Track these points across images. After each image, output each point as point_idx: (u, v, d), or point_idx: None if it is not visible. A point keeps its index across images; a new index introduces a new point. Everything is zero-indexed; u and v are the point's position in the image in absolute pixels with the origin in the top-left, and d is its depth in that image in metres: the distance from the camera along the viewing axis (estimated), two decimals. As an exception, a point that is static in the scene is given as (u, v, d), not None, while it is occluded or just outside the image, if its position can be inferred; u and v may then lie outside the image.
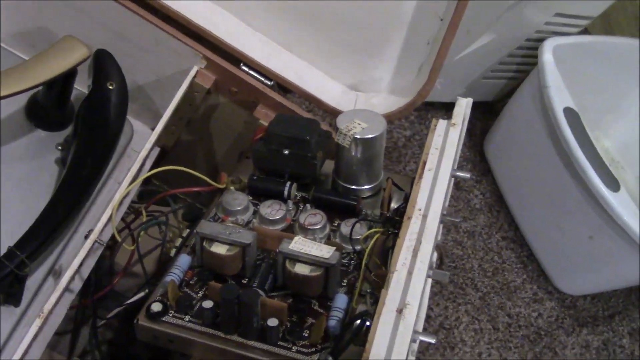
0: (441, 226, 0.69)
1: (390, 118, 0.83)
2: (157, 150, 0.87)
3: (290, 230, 0.75)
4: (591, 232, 1.20)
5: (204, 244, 0.68)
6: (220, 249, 0.67)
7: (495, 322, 1.26)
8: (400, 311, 0.56)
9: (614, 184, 1.13)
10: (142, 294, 0.74)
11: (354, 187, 0.78)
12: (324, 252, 0.65)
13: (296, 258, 0.66)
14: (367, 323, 0.60)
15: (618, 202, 1.12)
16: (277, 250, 0.66)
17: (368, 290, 0.66)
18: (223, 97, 0.87)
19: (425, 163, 0.69)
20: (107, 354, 0.84)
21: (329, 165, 0.80)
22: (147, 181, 0.95)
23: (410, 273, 0.60)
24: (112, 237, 0.73)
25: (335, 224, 0.75)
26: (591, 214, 1.17)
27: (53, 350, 0.85)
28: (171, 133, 0.87)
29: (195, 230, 0.68)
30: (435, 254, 0.76)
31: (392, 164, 1.41)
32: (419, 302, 0.58)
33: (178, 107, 0.81)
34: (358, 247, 0.71)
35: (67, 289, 0.71)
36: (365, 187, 0.78)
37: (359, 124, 0.74)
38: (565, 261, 1.30)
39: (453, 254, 1.32)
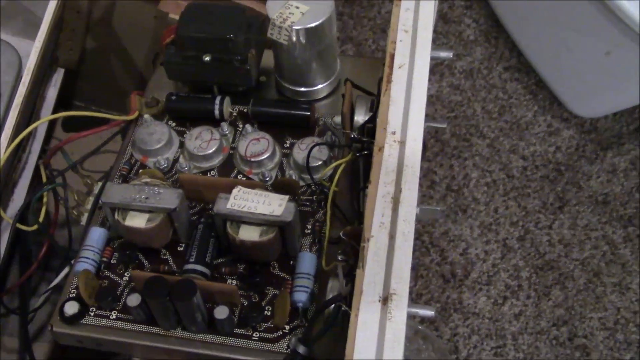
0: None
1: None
2: (60, 72, 0.70)
3: (230, 162, 0.57)
4: (608, 48, 1.02)
5: (116, 215, 0.50)
6: (138, 221, 0.50)
7: (508, 169, 1.10)
8: (384, 301, 0.41)
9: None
10: (66, 271, 0.58)
11: (303, 88, 0.59)
12: (274, 205, 0.48)
13: (239, 220, 0.49)
14: (343, 308, 0.45)
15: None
16: (213, 212, 0.49)
17: (340, 256, 0.50)
18: (117, -7, 0.66)
19: (393, 57, 0.49)
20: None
21: (269, 57, 0.61)
22: (68, 105, 0.77)
23: (392, 237, 0.43)
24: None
25: (287, 145, 0.57)
26: (607, 28, 0.98)
27: (1, 334, 0.71)
28: (69, 49, 0.67)
29: (100, 200, 0.51)
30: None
31: (363, 11, 1.17)
32: (409, 278, 0.42)
33: (62, 18, 0.62)
34: (318, 176, 0.54)
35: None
36: (319, 86, 0.59)
37: (297, 8, 0.54)
38: (580, 82, 1.13)
39: (451, 101, 1.14)
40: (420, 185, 1.04)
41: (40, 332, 0.72)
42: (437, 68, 1.15)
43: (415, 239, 1.02)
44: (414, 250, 1.00)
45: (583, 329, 0.99)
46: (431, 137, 1.09)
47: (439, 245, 1.02)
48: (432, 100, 1.13)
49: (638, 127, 1.17)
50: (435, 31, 1.16)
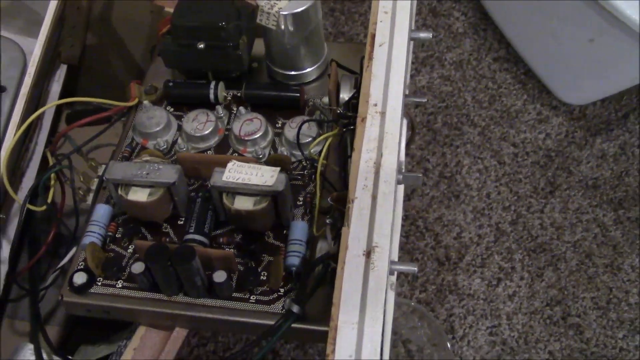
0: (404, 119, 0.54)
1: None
2: (63, 68, 0.72)
3: (226, 142, 0.61)
4: (591, 35, 1.05)
5: (119, 191, 0.54)
6: (139, 195, 0.54)
7: (499, 156, 1.14)
8: (368, 254, 0.44)
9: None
10: (73, 251, 0.61)
11: (293, 72, 0.63)
12: (267, 176, 0.52)
13: (234, 191, 0.52)
14: (332, 266, 0.48)
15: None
16: (209, 185, 0.53)
17: (328, 220, 0.53)
18: (115, -11, 0.70)
19: (374, 37, 0.53)
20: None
21: (260, 46, 0.64)
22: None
23: (374, 198, 0.46)
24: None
25: (279, 125, 0.61)
26: (590, 15, 1.02)
27: (13, 318, 0.75)
28: (70, 46, 0.71)
29: (104, 177, 0.55)
30: (405, 124, 0.62)
31: (354, 6, 1.21)
32: (391, 234, 0.45)
33: (63, 15, 0.65)
34: (308, 152, 0.58)
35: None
36: (307, 69, 0.63)
37: (284, -6, 0.58)
38: (567, 70, 1.17)
39: (442, 92, 1.17)
40: (414, 171, 1.08)
41: (49, 316, 0.75)
42: (427, 60, 1.19)
43: (410, 224, 1.05)
44: (409, 235, 1.04)
45: (576, 309, 1.02)
46: (423, 127, 1.13)
47: (433, 229, 1.06)
48: (423, 91, 1.16)
49: (626, 114, 1.20)
50: (425, 24, 1.20)
